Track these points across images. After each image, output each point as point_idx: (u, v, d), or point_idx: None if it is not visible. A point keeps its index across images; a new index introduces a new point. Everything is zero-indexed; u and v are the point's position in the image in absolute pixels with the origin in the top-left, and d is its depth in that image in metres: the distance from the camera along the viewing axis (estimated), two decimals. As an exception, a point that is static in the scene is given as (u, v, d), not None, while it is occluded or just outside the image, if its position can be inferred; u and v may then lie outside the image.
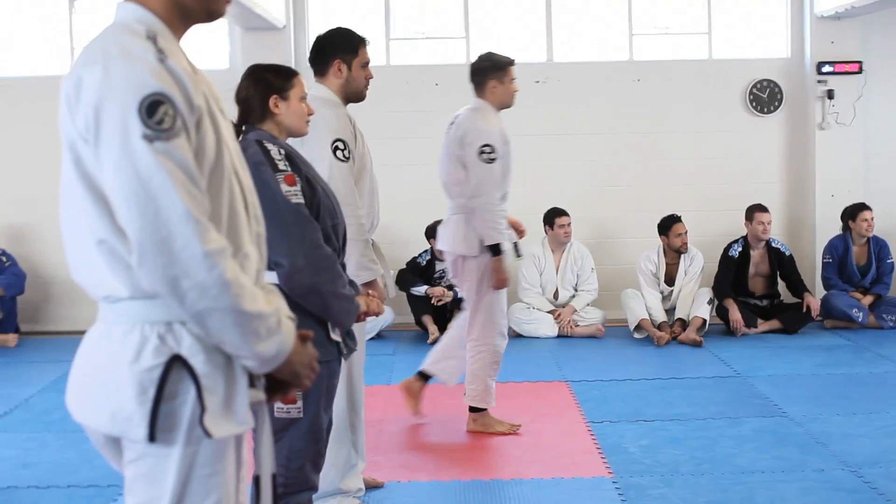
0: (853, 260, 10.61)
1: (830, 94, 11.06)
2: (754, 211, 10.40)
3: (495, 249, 6.80)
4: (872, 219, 10.54)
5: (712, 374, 8.59)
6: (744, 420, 7.23)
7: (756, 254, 10.42)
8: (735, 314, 10.09)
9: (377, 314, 4.66)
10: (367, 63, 5.54)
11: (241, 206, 2.79)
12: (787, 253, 10.47)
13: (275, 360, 2.74)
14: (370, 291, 4.83)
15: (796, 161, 11.37)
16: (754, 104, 11.32)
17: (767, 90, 11.33)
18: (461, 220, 6.90)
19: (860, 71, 11.14)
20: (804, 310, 10.25)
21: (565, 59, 11.38)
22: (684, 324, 10.00)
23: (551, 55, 11.37)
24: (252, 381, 2.80)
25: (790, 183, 11.40)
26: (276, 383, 2.89)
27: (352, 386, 5.47)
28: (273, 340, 2.69)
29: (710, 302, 10.21)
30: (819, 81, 11.12)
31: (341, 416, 5.37)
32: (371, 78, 5.58)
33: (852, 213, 10.58)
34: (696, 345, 9.71)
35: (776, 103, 11.31)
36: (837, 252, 10.61)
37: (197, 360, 2.66)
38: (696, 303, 10.13)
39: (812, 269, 11.06)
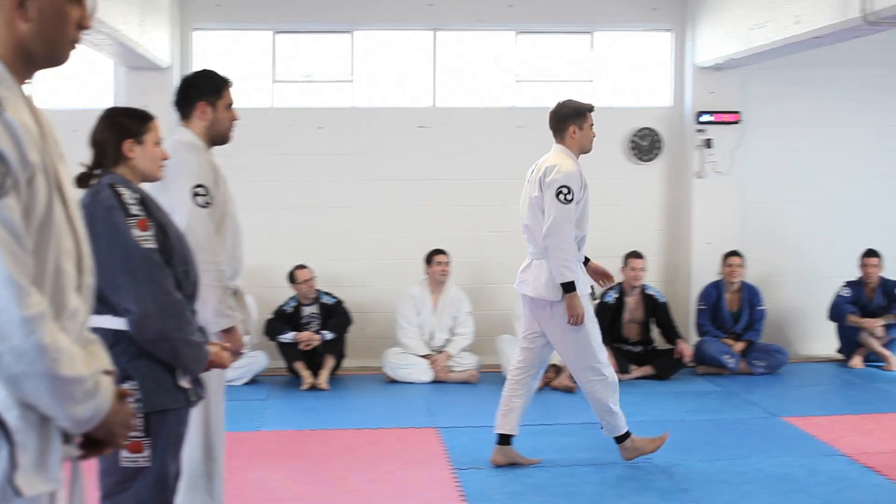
0: (726, 307, 10.81)
1: (709, 143, 11.27)
2: (628, 257, 10.57)
3: (568, 287, 6.93)
4: (740, 265, 10.78)
5: (582, 421, 8.65)
6: (609, 467, 7.32)
7: (631, 300, 10.57)
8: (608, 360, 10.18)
9: (223, 367, 4.64)
10: (231, 104, 5.52)
11: (69, 262, 2.74)
12: (662, 300, 10.63)
13: (90, 422, 2.71)
14: (224, 342, 4.83)
15: (674, 209, 11.56)
16: (635, 152, 11.51)
17: (648, 138, 11.52)
18: (545, 265, 7.09)
19: (738, 121, 11.36)
20: (677, 356, 10.40)
21: (449, 105, 11.46)
22: (558, 370, 10.07)
23: (435, 100, 11.45)
24: (66, 437, 2.76)
25: (668, 230, 11.59)
26: (91, 440, 2.86)
27: (209, 433, 5.42)
28: (89, 404, 2.67)
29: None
30: (698, 130, 11.33)
31: (196, 464, 5.32)
32: (236, 120, 5.55)
33: (722, 259, 10.81)
34: (569, 391, 9.79)
35: (656, 151, 11.50)
36: (711, 299, 10.81)
37: (10, 416, 2.62)
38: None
39: (687, 315, 11.23)
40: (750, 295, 10.84)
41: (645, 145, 11.52)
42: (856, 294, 11.08)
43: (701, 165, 11.32)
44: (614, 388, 7.28)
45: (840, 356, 11.29)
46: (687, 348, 10.44)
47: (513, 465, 7.34)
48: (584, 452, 7.71)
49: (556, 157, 7.15)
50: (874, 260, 11.07)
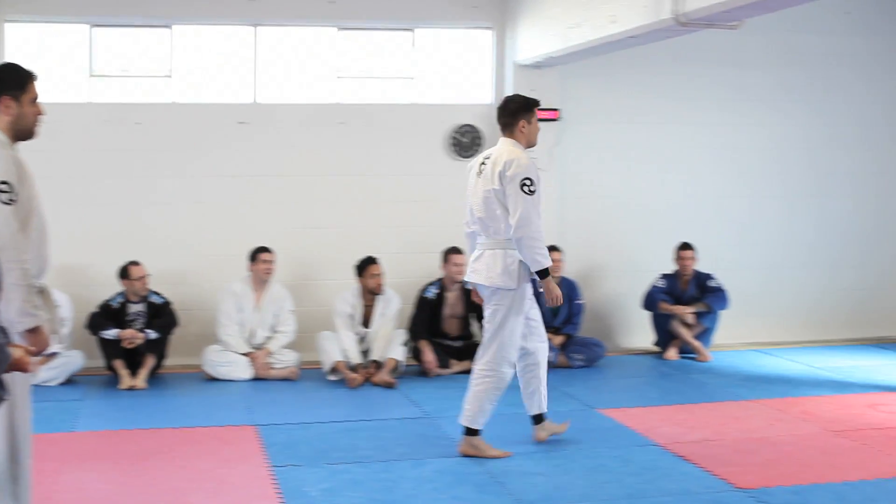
0: (544, 301, 10.93)
1: (526, 140, 11.39)
2: (449, 253, 10.63)
3: (543, 273, 7.24)
4: (560, 259, 10.93)
5: (401, 416, 8.71)
6: (427, 461, 7.36)
7: (451, 295, 10.64)
8: (428, 355, 10.29)
9: (26, 370, 4.52)
10: (36, 98, 5.37)
11: None
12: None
13: None
14: (29, 343, 4.72)
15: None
16: (456, 148, 11.58)
17: (469, 135, 11.60)
18: (498, 255, 7.34)
19: (558, 118, 11.52)
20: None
21: (270, 101, 11.37)
22: (379, 365, 10.09)
23: (256, 96, 11.35)
24: None
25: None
26: None
27: (14, 435, 5.29)
28: None
29: (405, 343, 10.36)
30: (518, 127, 11.43)
31: (0, 467, 5.20)
32: (41, 114, 5.39)
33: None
34: (390, 386, 9.82)
35: (477, 148, 11.57)
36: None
37: None
38: (391, 344, 10.24)
39: (508, 310, 11.33)
40: (568, 289, 11.00)
41: (466, 142, 11.61)
42: (670, 285, 11.35)
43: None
44: (501, 390, 7.57)
45: (656, 348, 11.55)
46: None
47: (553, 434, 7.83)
48: (403, 447, 7.73)
49: (510, 151, 7.35)
50: (689, 253, 11.36)
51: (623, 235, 11.93)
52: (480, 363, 7.55)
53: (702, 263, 11.51)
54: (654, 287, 11.33)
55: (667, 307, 11.24)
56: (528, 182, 7.17)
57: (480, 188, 7.40)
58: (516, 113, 7.47)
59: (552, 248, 10.85)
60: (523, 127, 7.46)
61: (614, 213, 11.91)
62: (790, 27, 12.09)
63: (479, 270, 7.49)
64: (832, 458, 7.54)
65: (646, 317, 11.53)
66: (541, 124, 11.10)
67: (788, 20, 11.77)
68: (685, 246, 11.39)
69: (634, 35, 8.96)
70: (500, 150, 7.42)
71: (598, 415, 8.83)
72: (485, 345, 7.56)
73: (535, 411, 7.90)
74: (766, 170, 12.30)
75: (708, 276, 11.42)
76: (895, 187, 12.76)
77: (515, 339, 7.53)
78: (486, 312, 7.58)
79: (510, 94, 11.25)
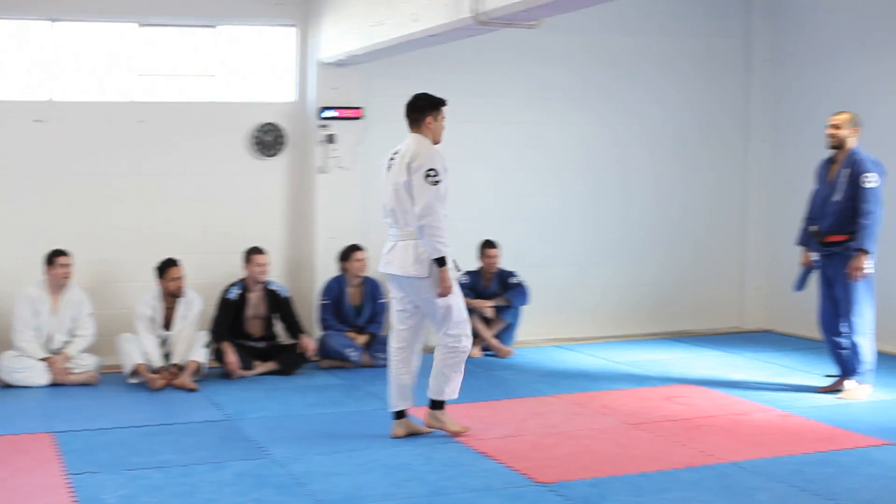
0: (348, 300, 10.95)
1: (332, 139, 11.36)
2: (251, 253, 10.54)
3: (441, 262, 7.59)
4: (365, 259, 10.95)
5: (203, 419, 8.60)
6: (227, 464, 7.28)
7: (253, 296, 10.55)
8: (231, 357, 10.17)
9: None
10: None
11: None
12: (284, 294, 10.67)
13: None
14: None
15: (298, 204, 11.60)
16: (258, 147, 11.46)
17: (272, 133, 11.50)
18: (411, 245, 7.71)
19: (361, 117, 11.51)
20: (300, 351, 10.47)
21: (67, 98, 11.06)
22: (181, 368, 9.94)
23: (53, 94, 11.04)
24: None
25: (292, 225, 11.62)
26: None
27: None
28: None
29: (207, 345, 10.24)
30: (321, 126, 11.39)
31: None
32: None
33: (346, 255, 10.94)
34: (191, 389, 9.69)
35: (279, 146, 11.50)
36: (333, 293, 10.93)
37: None
38: (192, 346, 10.09)
39: (312, 309, 11.28)
40: (372, 288, 11.02)
41: (268, 140, 11.51)
42: (473, 282, 11.45)
43: (324, 160, 11.40)
44: (463, 362, 7.99)
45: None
46: (310, 343, 10.52)
47: (411, 435, 8.02)
48: (203, 451, 7.63)
49: (417, 144, 7.79)
50: (493, 251, 11.48)
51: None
52: (441, 343, 7.93)
53: (508, 261, 11.65)
54: (458, 283, 11.41)
55: (467, 301, 11.31)
56: (432, 173, 7.61)
57: (391, 181, 7.80)
58: (424, 110, 7.92)
59: (356, 248, 10.92)
60: (430, 123, 7.92)
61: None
62: (595, 27, 12.35)
63: (392, 261, 7.85)
64: (629, 450, 7.72)
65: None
66: (344, 123, 11.39)
67: (593, 20, 12.04)
68: (489, 244, 11.51)
69: (436, 34, 9.02)
70: (408, 144, 7.84)
71: (402, 413, 8.86)
72: (439, 327, 7.91)
73: (402, 407, 8.10)
74: (572, 167, 12.49)
75: (510, 273, 11.56)
76: (698, 185, 13.12)
77: (463, 311, 7.97)
78: (395, 303, 8.03)
79: (313, 92, 11.43)
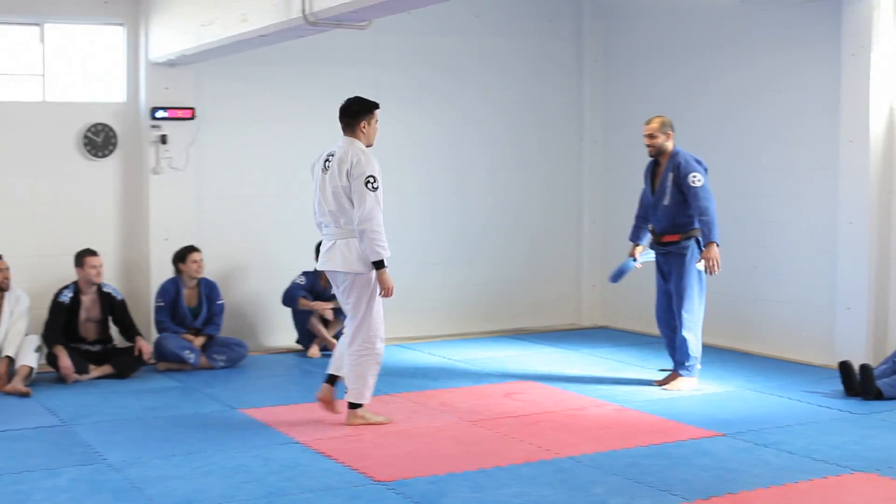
0: (184, 302, 10.81)
1: (164, 139, 11.20)
2: (83, 256, 10.33)
3: (380, 264, 7.96)
4: (202, 260, 10.82)
5: (36, 425, 8.39)
6: (62, 470, 7.11)
7: (87, 299, 10.34)
8: (64, 361, 9.94)
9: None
10: None
11: None
12: (119, 297, 10.48)
13: None
14: None
15: (131, 205, 11.40)
16: (89, 148, 11.23)
17: (102, 134, 11.28)
18: (349, 244, 8.04)
19: (193, 117, 11.36)
20: (136, 353, 10.29)
21: None
22: (12, 360, 9.74)
23: None
24: None
25: (125, 227, 11.41)
26: None
27: None
28: None
29: (39, 349, 9.99)
30: (153, 126, 11.22)
31: None
32: None
33: (182, 256, 10.80)
34: (24, 394, 9.44)
35: (111, 147, 11.28)
36: (169, 295, 10.78)
37: None
38: (23, 351, 9.83)
39: (148, 312, 11.12)
40: (208, 290, 10.90)
41: (99, 141, 11.28)
42: (311, 283, 11.39)
43: (157, 161, 11.23)
44: (380, 364, 8.32)
45: (299, 347, 11.59)
46: (146, 345, 10.36)
47: (326, 403, 8.49)
48: (37, 458, 7.44)
49: (354, 150, 8.07)
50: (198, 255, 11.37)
51: (263, 234, 11.90)
52: (355, 345, 8.20)
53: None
54: (294, 284, 11.35)
55: (305, 303, 11.28)
56: (371, 179, 7.93)
57: (328, 184, 8.09)
58: (358, 114, 8.19)
59: (192, 249, 10.78)
60: (364, 127, 8.19)
61: (254, 212, 11.86)
62: (427, 29, 12.41)
63: (334, 258, 8.14)
64: (468, 447, 7.77)
65: (288, 315, 11.55)
66: (176, 123, 11.23)
67: (425, 21, 12.09)
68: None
69: (266, 34, 8.98)
70: (344, 148, 8.12)
71: (239, 415, 8.78)
72: (355, 328, 8.20)
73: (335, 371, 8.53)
74: (408, 168, 12.50)
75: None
76: (534, 185, 13.28)
77: (381, 315, 8.24)
78: (340, 295, 8.33)
79: (144, 92, 11.24)
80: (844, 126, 10.31)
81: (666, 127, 9.42)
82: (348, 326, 8.35)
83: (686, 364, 9.58)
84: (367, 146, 8.20)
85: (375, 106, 8.27)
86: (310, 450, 7.64)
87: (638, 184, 9.94)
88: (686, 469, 7.15)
